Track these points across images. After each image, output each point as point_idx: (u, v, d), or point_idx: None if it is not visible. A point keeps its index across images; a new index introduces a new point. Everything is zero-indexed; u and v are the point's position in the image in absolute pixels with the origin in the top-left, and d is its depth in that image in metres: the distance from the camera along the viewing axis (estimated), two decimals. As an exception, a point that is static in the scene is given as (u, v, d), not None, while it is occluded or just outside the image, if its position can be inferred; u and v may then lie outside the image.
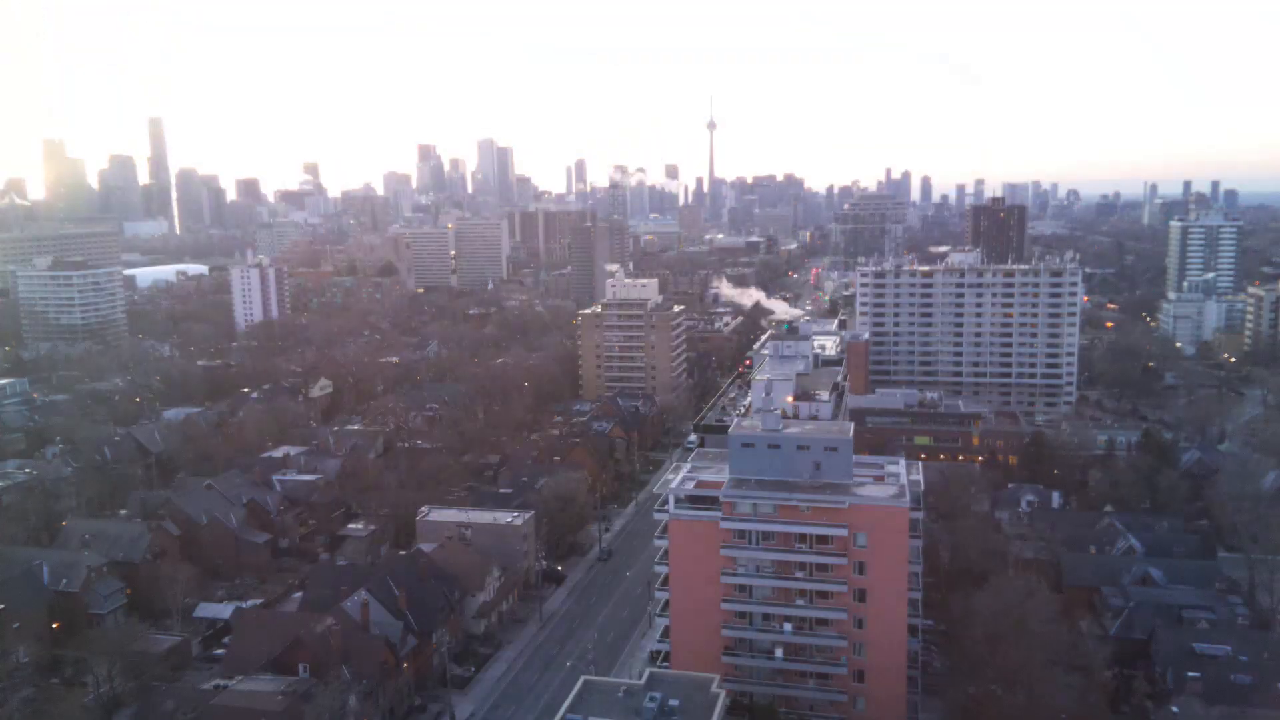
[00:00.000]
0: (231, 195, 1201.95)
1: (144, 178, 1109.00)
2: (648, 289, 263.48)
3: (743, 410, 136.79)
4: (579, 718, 75.09)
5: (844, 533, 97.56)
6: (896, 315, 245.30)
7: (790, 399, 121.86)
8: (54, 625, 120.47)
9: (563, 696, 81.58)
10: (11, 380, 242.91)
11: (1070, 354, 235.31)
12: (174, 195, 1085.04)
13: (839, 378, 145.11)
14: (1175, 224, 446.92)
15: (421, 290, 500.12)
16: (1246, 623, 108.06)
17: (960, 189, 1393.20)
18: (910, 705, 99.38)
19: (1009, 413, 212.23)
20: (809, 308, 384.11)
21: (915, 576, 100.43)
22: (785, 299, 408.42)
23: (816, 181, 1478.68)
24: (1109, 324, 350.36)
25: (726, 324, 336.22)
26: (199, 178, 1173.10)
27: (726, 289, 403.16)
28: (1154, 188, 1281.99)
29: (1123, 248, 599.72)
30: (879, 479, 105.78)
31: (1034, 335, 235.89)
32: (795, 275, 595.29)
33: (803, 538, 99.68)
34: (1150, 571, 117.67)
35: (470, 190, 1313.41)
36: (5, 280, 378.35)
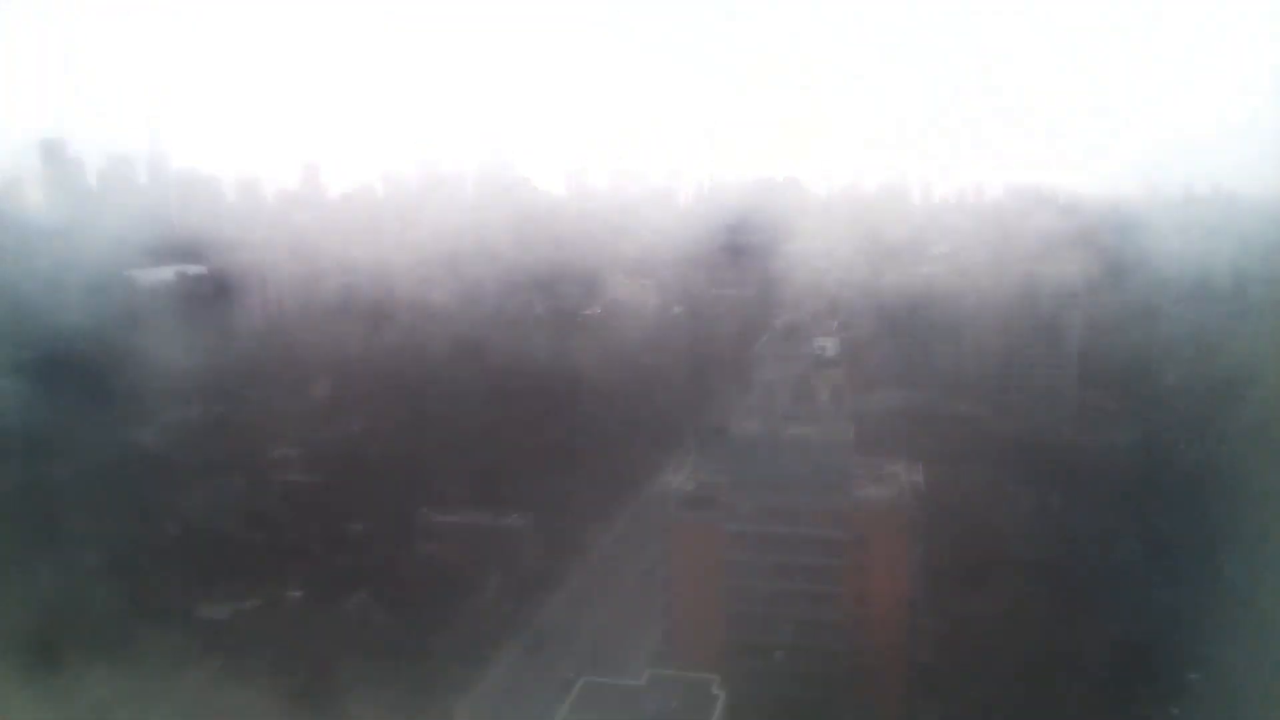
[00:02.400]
0: (231, 195, 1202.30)
1: (143, 178, 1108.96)
2: (647, 289, 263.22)
3: (745, 411, 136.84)
4: (579, 719, 74.98)
5: (844, 534, 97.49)
6: (897, 315, 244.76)
7: (790, 399, 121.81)
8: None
9: (562, 697, 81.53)
10: (10, 380, 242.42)
11: (1071, 355, 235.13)
12: (173, 195, 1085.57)
13: (840, 378, 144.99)
14: (1175, 224, 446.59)
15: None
16: (1246, 624, 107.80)
17: (960, 190, 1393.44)
18: (910, 707, 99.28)
19: (1009, 413, 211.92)
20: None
21: (915, 578, 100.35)
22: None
23: (817, 182, 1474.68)
24: (1108, 325, 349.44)
25: (726, 324, 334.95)
26: (199, 177, 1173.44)
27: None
28: (1154, 189, 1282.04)
29: (1123, 249, 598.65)
30: (879, 480, 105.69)
31: (1035, 336, 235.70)
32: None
33: (803, 539, 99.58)
34: (1151, 572, 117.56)
35: (470, 191, 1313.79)
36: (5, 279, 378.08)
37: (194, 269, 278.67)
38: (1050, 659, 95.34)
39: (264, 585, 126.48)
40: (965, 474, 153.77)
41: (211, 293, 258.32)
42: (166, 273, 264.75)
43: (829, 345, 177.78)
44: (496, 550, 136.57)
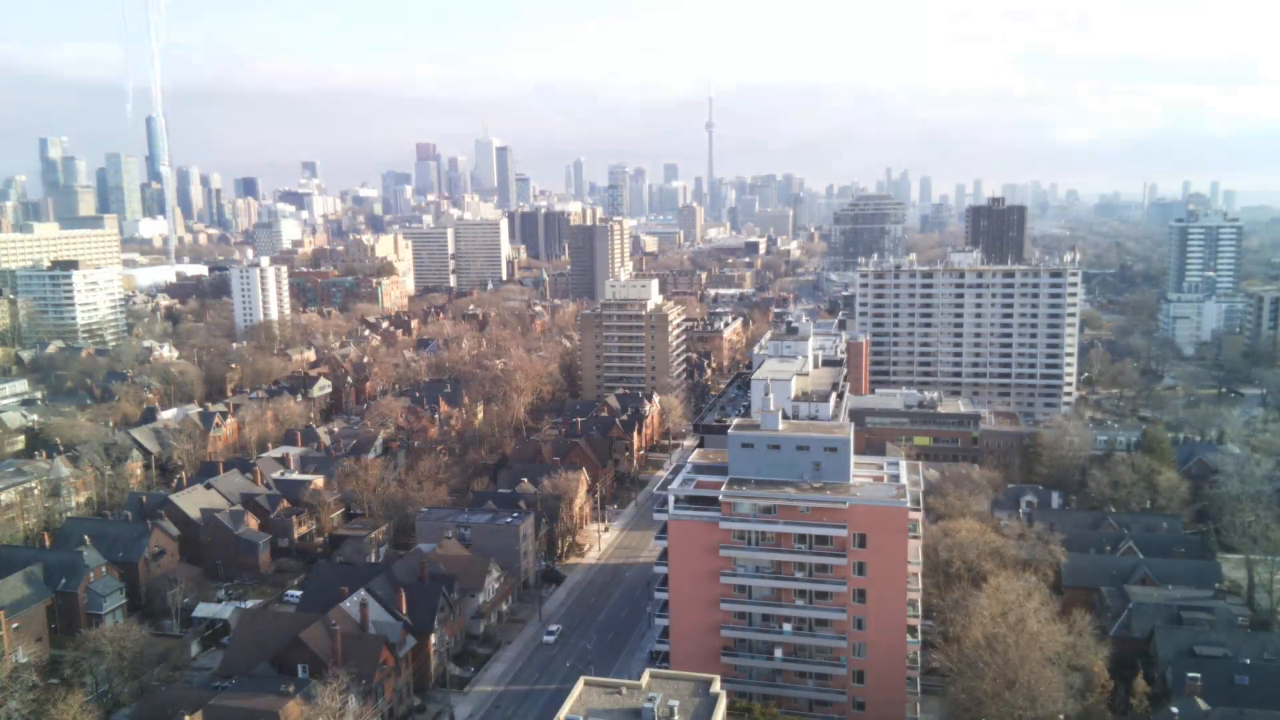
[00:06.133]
0: (230, 195, 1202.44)
1: (142, 177, 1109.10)
2: (647, 289, 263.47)
3: (742, 410, 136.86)
4: (578, 718, 74.96)
5: (843, 533, 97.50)
6: (896, 315, 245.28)
7: (790, 398, 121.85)
8: (53, 626, 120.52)
9: (562, 697, 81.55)
10: (11, 380, 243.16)
11: (1070, 354, 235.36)
12: (173, 195, 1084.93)
13: (839, 378, 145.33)
14: (1174, 224, 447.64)
15: (421, 290, 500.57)
16: (1246, 623, 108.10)
17: (959, 189, 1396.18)
18: (909, 705, 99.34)
19: (1008, 413, 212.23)
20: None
21: (914, 577, 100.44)
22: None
23: (816, 181, 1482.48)
24: (1107, 324, 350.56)
25: (726, 324, 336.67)
26: (198, 177, 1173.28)
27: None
28: (1153, 188, 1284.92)
29: (1122, 248, 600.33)
30: (878, 479, 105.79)
31: (1033, 335, 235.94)
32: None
33: (802, 538, 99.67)
34: (1149, 572, 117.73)
35: (469, 190, 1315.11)
36: (5, 281, 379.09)
37: (193, 269, 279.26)
38: (1048, 656, 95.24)
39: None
40: (966, 472, 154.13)
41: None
42: (166, 272, 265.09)
43: (829, 344, 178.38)
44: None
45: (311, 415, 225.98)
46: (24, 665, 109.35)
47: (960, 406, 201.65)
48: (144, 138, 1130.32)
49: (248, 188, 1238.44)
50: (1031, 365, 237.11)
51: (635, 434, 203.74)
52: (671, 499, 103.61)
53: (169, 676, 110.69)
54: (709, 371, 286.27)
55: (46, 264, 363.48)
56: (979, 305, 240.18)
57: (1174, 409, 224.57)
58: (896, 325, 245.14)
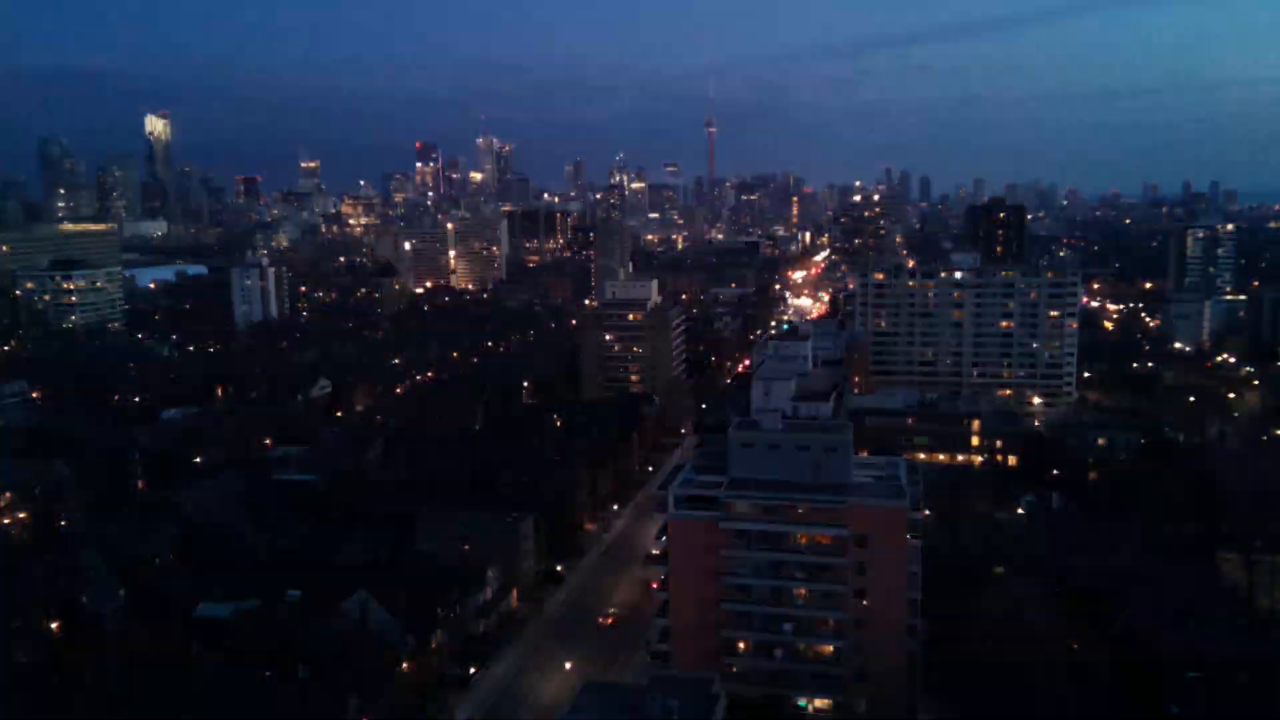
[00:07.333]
0: (231, 194, 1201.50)
1: (143, 176, 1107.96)
2: (647, 289, 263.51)
3: (742, 410, 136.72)
4: (579, 719, 75.03)
5: (844, 533, 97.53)
6: (896, 315, 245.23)
7: (790, 398, 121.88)
8: (52, 626, 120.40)
9: (562, 697, 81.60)
10: (11, 380, 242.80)
11: (1070, 354, 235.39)
12: (173, 194, 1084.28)
13: (839, 378, 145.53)
14: (1175, 224, 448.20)
15: (421, 290, 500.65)
16: (1246, 623, 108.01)
17: (960, 188, 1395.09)
18: (910, 706, 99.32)
19: (1009, 413, 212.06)
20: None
21: (915, 577, 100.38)
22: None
23: (816, 181, 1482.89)
24: (1108, 324, 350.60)
25: (726, 324, 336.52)
26: (199, 176, 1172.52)
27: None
28: (1154, 187, 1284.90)
29: (1122, 248, 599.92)
30: (879, 479, 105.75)
31: (1033, 335, 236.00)
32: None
33: (802, 538, 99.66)
34: (1149, 572, 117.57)
35: (470, 190, 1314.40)
36: (5, 280, 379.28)
37: (194, 268, 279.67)
38: (1048, 657, 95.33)
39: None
40: (966, 472, 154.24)
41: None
42: (166, 271, 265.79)
43: (830, 344, 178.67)
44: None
45: (312, 415, 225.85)
46: (22, 666, 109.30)
47: (961, 406, 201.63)
48: (144, 137, 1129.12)
49: (249, 187, 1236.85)
50: (1031, 366, 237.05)
51: (635, 434, 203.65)
52: (671, 499, 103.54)
53: (169, 677, 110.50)
54: (709, 371, 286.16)
55: (46, 264, 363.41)
56: (979, 305, 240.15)
57: (1175, 409, 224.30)
58: (896, 325, 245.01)
